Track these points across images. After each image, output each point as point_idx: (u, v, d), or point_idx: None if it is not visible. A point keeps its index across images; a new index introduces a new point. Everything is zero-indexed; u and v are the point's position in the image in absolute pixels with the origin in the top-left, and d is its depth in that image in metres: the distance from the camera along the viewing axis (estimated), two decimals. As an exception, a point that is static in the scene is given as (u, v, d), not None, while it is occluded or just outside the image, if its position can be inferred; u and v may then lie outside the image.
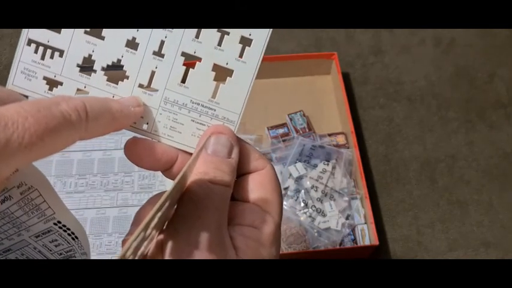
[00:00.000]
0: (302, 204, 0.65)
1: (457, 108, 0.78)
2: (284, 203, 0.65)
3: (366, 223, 0.66)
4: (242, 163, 0.29)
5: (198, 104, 0.30)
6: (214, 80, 0.30)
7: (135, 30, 0.30)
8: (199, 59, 0.30)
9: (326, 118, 0.75)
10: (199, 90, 0.30)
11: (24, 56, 0.31)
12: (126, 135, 0.29)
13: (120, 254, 0.20)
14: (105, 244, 0.63)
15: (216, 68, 0.30)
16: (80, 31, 0.30)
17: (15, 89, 0.31)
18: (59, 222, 0.32)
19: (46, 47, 0.30)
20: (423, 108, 0.78)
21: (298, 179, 0.67)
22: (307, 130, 0.73)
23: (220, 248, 0.26)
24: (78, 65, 0.30)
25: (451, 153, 0.75)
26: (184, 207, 0.26)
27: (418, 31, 0.84)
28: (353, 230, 0.66)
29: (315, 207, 0.65)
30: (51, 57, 0.30)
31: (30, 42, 0.30)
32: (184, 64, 0.30)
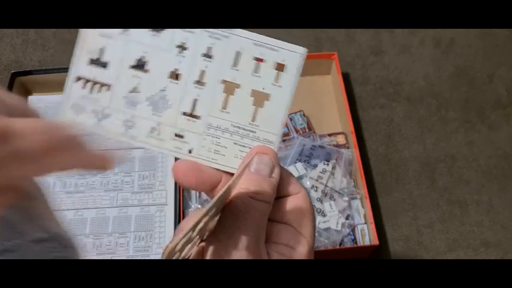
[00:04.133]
0: (302, 204, 0.65)
1: (456, 108, 0.78)
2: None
3: (366, 223, 0.66)
4: (280, 186, 0.31)
5: (239, 127, 0.32)
6: (253, 104, 0.32)
7: (177, 61, 0.32)
8: (238, 86, 0.32)
9: (326, 118, 0.75)
10: (239, 115, 0.32)
11: (73, 92, 0.32)
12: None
13: (168, 248, 0.22)
14: (105, 244, 0.63)
15: (254, 93, 0.32)
16: (126, 66, 0.32)
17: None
18: (53, 232, 0.33)
19: (94, 82, 0.32)
20: (423, 108, 0.78)
21: (298, 179, 0.67)
22: (307, 130, 0.73)
23: (256, 258, 0.28)
24: (124, 97, 0.32)
25: (450, 153, 0.75)
26: (225, 218, 0.28)
27: (418, 31, 0.84)
28: (353, 230, 0.66)
29: (315, 207, 0.65)
30: (99, 91, 0.32)
31: (78, 79, 0.32)
32: (224, 91, 0.32)
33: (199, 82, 0.33)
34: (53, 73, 0.75)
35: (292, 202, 0.31)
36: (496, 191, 0.73)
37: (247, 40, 0.33)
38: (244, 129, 0.32)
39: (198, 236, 0.26)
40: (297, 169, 0.67)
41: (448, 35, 0.84)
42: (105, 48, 0.33)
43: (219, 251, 0.27)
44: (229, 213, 0.27)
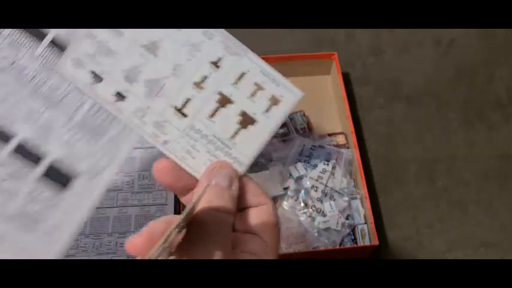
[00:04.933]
0: (302, 204, 0.65)
1: (456, 108, 0.78)
2: (284, 203, 0.65)
3: (366, 223, 0.66)
4: (245, 197, 0.33)
5: (218, 139, 0.33)
6: (239, 123, 0.33)
7: (185, 58, 0.33)
8: (232, 102, 0.33)
9: (326, 118, 0.75)
10: (222, 128, 0.33)
11: (81, 46, 0.33)
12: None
13: (149, 255, 0.22)
14: (105, 244, 0.63)
15: (243, 114, 0.34)
16: (138, 43, 0.33)
17: (62, 72, 0.33)
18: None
19: (103, 45, 0.33)
20: (423, 109, 0.78)
21: (298, 179, 0.67)
22: (307, 130, 0.73)
23: None
24: (124, 70, 0.33)
25: (450, 153, 0.75)
26: (193, 230, 0.29)
27: (418, 31, 0.84)
28: (353, 230, 0.66)
29: (315, 207, 0.65)
30: (105, 55, 0.33)
31: (91, 36, 0.33)
32: (217, 101, 0.33)
33: (198, 85, 0.33)
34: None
35: (258, 213, 0.32)
36: (496, 191, 0.73)
37: (256, 66, 0.34)
38: (221, 142, 0.33)
39: (168, 249, 0.27)
40: (297, 169, 0.67)
41: (448, 35, 0.84)
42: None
43: None
44: (196, 225, 0.29)
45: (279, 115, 0.34)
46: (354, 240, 0.65)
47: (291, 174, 0.67)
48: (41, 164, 0.34)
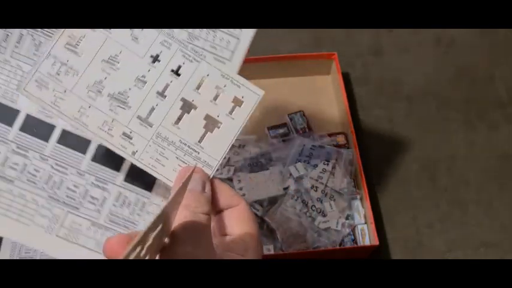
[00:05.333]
0: (302, 204, 0.65)
1: (457, 108, 0.78)
2: (284, 203, 0.65)
3: (366, 223, 0.66)
4: (218, 200, 0.34)
5: (185, 144, 0.34)
6: (204, 127, 0.34)
7: (146, 69, 0.34)
8: (196, 107, 0.34)
9: (326, 118, 0.75)
10: (189, 133, 0.34)
11: (42, 68, 0.34)
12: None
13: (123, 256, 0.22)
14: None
15: (207, 117, 0.34)
16: (98, 59, 0.34)
17: (25, 94, 0.34)
18: None
19: (64, 64, 0.34)
20: (423, 109, 0.78)
21: (298, 179, 0.67)
22: (307, 130, 0.73)
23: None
24: (88, 86, 0.34)
25: (451, 153, 0.75)
26: (175, 235, 0.30)
27: (418, 31, 0.83)
28: (353, 230, 0.66)
29: (315, 207, 0.65)
30: (66, 74, 0.34)
31: (50, 57, 0.34)
32: (181, 108, 0.34)
33: (161, 94, 0.34)
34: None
35: (233, 214, 0.34)
36: (496, 191, 0.73)
37: (215, 70, 0.35)
38: (189, 147, 0.34)
39: (148, 254, 0.27)
40: (297, 169, 0.67)
41: (449, 34, 0.84)
42: (86, 37, 0.34)
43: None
44: (177, 229, 0.30)
45: (242, 115, 0.35)
46: (354, 240, 0.65)
47: (291, 174, 0.67)
48: None
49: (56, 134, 0.36)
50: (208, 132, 0.34)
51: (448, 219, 0.71)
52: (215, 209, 0.34)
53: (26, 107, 0.36)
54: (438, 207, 0.71)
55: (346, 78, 0.79)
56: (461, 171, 0.74)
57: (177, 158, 0.34)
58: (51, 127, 0.36)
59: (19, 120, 0.36)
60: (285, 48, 0.80)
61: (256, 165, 0.68)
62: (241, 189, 0.65)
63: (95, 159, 0.36)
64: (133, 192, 0.37)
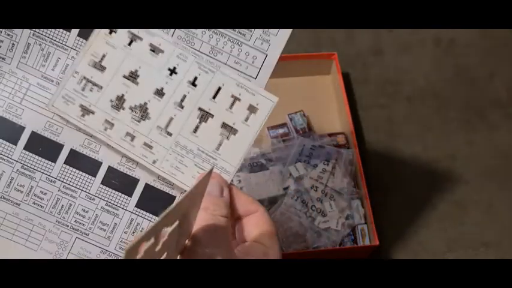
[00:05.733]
0: (302, 204, 0.65)
1: (457, 108, 0.78)
2: (284, 203, 0.65)
3: (366, 223, 0.66)
4: (236, 207, 0.35)
5: (203, 152, 0.35)
6: (221, 135, 0.36)
7: (164, 82, 0.36)
8: (212, 116, 0.36)
9: (326, 118, 0.75)
10: (206, 141, 0.36)
11: (68, 84, 0.36)
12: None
13: (127, 249, 0.22)
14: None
15: (224, 125, 0.36)
16: (120, 75, 0.36)
17: (53, 110, 0.36)
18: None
19: (88, 81, 0.36)
20: (423, 108, 0.78)
21: (298, 179, 0.67)
22: (307, 130, 0.73)
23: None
24: (111, 100, 0.36)
25: (451, 153, 0.75)
26: (195, 236, 0.31)
27: (418, 31, 0.83)
28: (353, 230, 0.66)
29: (315, 207, 0.65)
30: (91, 90, 0.36)
31: (76, 74, 0.36)
32: (198, 117, 0.36)
33: (179, 104, 0.36)
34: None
35: (253, 220, 0.34)
36: (496, 191, 0.73)
37: (230, 79, 0.36)
38: (207, 154, 0.35)
39: (165, 251, 0.27)
40: (297, 169, 0.67)
41: (448, 34, 0.84)
42: (107, 55, 0.36)
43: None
44: (198, 229, 0.31)
45: (257, 122, 0.36)
46: (354, 240, 0.65)
47: (291, 174, 0.67)
48: None
49: (63, 154, 0.36)
50: (225, 140, 0.36)
51: (448, 219, 0.71)
52: (234, 215, 0.34)
53: (31, 123, 0.36)
54: (438, 207, 0.71)
55: (346, 78, 0.79)
56: (461, 171, 0.74)
57: (196, 165, 0.35)
58: (59, 146, 0.36)
59: (24, 138, 0.35)
60: (285, 48, 0.80)
61: (256, 165, 0.68)
62: (241, 189, 0.65)
63: (105, 182, 0.36)
64: (146, 219, 0.36)
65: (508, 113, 0.78)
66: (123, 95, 0.36)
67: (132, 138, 0.35)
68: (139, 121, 0.36)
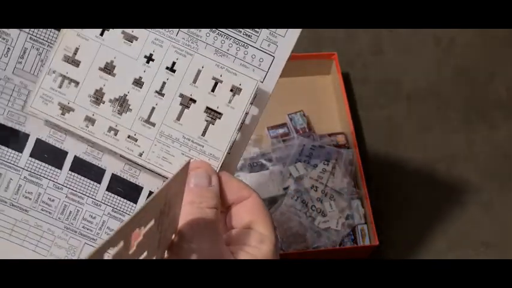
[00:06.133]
0: (302, 204, 0.65)
1: (457, 107, 0.78)
2: (284, 203, 0.65)
3: (366, 223, 0.66)
4: (229, 194, 0.33)
5: (189, 139, 0.34)
6: (206, 120, 0.34)
7: (142, 70, 0.34)
8: (195, 101, 0.34)
9: (326, 118, 0.75)
10: (191, 128, 0.34)
11: (44, 83, 0.34)
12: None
13: (92, 252, 0.21)
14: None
15: (208, 110, 0.34)
16: (95, 67, 0.34)
17: (33, 111, 0.35)
18: None
19: (64, 77, 0.34)
20: (423, 108, 0.78)
21: (298, 179, 0.67)
22: (307, 130, 0.73)
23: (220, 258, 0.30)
24: (89, 95, 0.34)
25: (450, 153, 0.75)
26: (181, 231, 0.30)
27: (418, 31, 0.83)
28: (353, 230, 0.66)
29: (315, 207, 0.65)
30: (67, 86, 0.34)
31: (51, 71, 0.34)
32: (180, 104, 0.34)
33: (159, 92, 0.35)
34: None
35: (246, 206, 0.33)
36: (496, 191, 0.73)
37: (209, 61, 0.35)
38: (193, 141, 0.34)
39: (144, 251, 0.26)
40: (297, 169, 0.67)
41: (449, 34, 0.84)
42: (80, 48, 0.35)
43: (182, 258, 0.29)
44: (184, 224, 0.30)
45: (242, 103, 0.34)
46: (354, 240, 0.66)
47: (291, 174, 0.67)
48: None
49: (68, 161, 0.35)
50: (210, 125, 0.34)
51: (448, 219, 0.71)
52: (226, 203, 0.33)
53: (35, 130, 0.35)
54: (438, 207, 0.71)
55: (346, 78, 0.79)
56: (461, 171, 0.74)
57: (183, 154, 0.34)
58: (63, 153, 0.35)
59: (29, 145, 0.35)
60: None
61: (256, 165, 0.68)
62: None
63: (110, 189, 0.36)
64: None
65: (508, 112, 0.78)
66: (101, 89, 0.34)
67: (116, 132, 0.34)
68: (120, 114, 0.34)
